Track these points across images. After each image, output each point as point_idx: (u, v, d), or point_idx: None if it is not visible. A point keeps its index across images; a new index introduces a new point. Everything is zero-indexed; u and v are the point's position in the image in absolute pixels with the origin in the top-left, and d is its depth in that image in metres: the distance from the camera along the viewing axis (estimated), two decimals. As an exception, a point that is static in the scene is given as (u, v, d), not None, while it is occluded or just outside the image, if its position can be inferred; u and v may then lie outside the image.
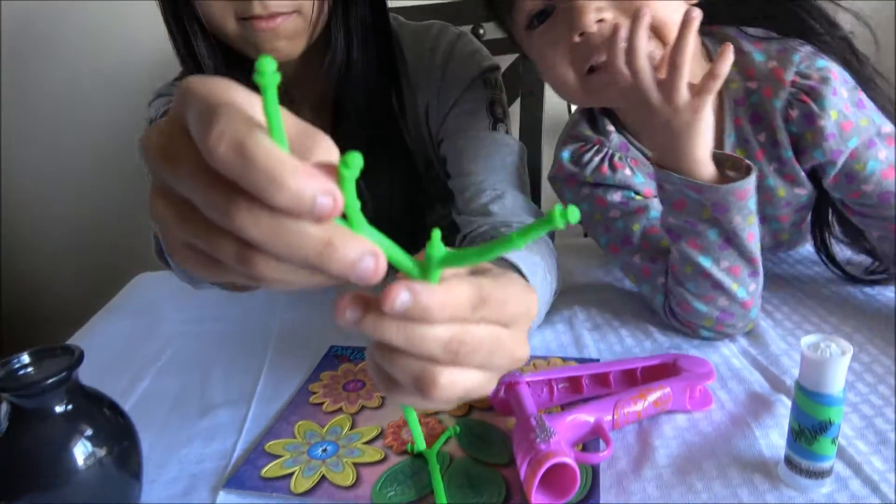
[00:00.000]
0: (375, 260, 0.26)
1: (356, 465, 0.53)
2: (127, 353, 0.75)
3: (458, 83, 0.78)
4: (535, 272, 0.59)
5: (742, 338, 0.67)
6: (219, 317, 0.81)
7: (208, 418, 0.61)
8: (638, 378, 0.59)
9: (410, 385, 0.31)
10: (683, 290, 0.65)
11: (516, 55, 1.23)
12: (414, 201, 0.84)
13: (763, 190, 0.71)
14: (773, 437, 0.53)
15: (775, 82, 0.66)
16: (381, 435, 0.56)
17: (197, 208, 0.26)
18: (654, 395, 0.55)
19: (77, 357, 0.39)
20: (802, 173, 0.69)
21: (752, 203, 0.61)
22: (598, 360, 0.65)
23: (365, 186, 0.81)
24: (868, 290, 0.75)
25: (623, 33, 0.57)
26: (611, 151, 0.72)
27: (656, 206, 0.70)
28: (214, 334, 0.77)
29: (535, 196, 1.17)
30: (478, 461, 0.52)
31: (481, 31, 1.25)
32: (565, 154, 0.75)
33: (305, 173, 0.24)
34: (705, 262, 0.63)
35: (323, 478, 0.51)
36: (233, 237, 0.25)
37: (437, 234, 0.29)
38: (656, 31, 0.60)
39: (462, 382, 0.31)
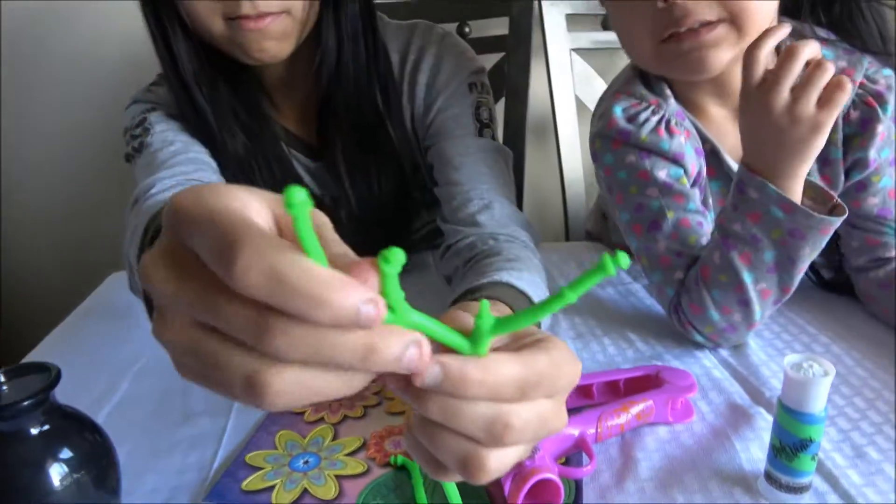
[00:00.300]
0: (419, 349, 0.25)
1: (339, 477, 0.52)
2: (103, 356, 0.74)
3: (444, 87, 0.77)
4: (540, 296, 0.59)
5: (723, 348, 0.68)
6: (198, 319, 0.80)
7: (188, 427, 0.60)
8: (621, 390, 0.59)
9: (455, 467, 0.30)
10: (706, 295, 0.64)
11: (501, 54, 1.23)
12: (400, 205, 0.84)
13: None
14: (752, 451, 0.53)
15: None
16: (363, 446, 0.56)
17: (212, 329, 0.25)
18: (636, 408, 0.55)
19: (54, 376, 0.38)
20: (842, 177, 0.69)
21: (825, 241, 0.60)
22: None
23: (350, 187, 0.80)
24: (848, 298, 0.76)
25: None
26: (668, 115, 0.69)
27: (695, 198, 0.69)
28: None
29: (519, 197, 1.17)
30: (461, 474, 0.52)
31: (466, 30, 1.25)
32: (618, 109, 0.70)
33: (346, 285, 0.23)
34: (747, 279, 0.62)
35: (305, 491, 0.51)
36: (250, 354, 0.24)
37: (485, 304, 0.28)
38: (738, 23, 0.60)
39: (509, 461, 0.30)
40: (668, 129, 0.68)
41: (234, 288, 0.23)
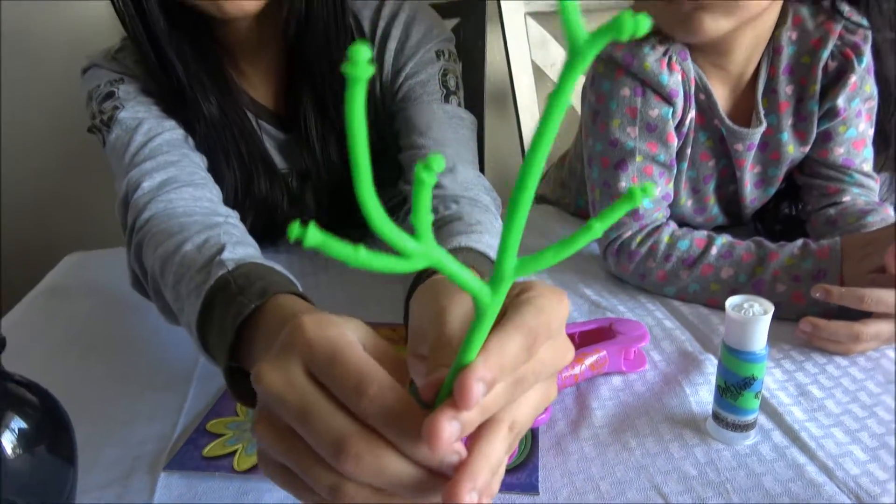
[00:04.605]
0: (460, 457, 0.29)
1: (300, 439, 0.53)
2: (61, 333, 0.73)
3: (412, 54, 0.77)
4: None
5: (674, 299, 0.70)
6: (156, 295, 0.79)
7: (148, 400, 0.60)
8: (576, 342, 0.61)
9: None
10: (683, 276, 0.69)
11: (457, 20, 1.22)
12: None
13: (773, 146, 0.74)
14: (702, 394, 0.55)
15: (825, 34, 0.69)
16: (324, 408, 0.57)
17: (300, 437, 0.31)
18: (590, 359, 0.56)
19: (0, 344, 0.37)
20: (815, 130, 0.73)
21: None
22: (538, 326, 0.66)
23: (321, 154, 0.80)
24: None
25: None
26: (671, 52, 0.70)
27: (668, 150, 0.72)
28: (152, 312, 0.75)
29: (479, 162, 1.18)
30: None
31: (420, -5, 1.23)
32: None
33: (443, 437, 0.27)
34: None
35: (266, 454, 0.51)
36: (330, 469, 0.30)
37: (513, 246, 0.28)
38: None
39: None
40: (669, 64, 0.70)
41: (356, 411, 0.29)
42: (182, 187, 0.66)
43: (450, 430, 0.27)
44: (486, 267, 0.56)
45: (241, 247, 0.56)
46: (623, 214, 0.25)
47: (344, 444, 0.29)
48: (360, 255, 0.23)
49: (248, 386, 0.45)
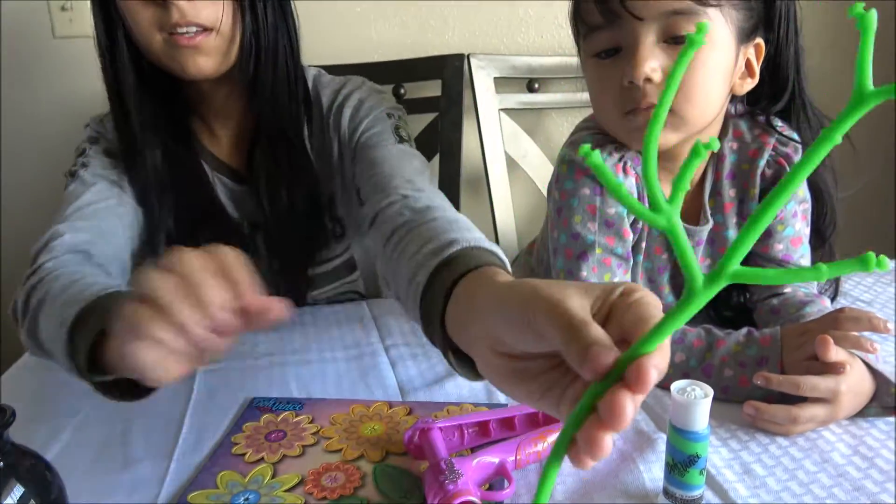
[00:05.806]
0: None
1: (277, 511, 0.56)
2: (44, 407, 0.75)
3: (366, 114, 0.87)
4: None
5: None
6: (140, 369, 0.82)
7: (130, 472, 0.62)
8: (540, 420, 0.65)
9: None
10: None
11: (435, 114, 1.32)
12: (312, 227, 0.90)
13: (720, 242, 0.83)
14: (654, 471, 0.59)
15: (761, 146, 0.79)
16: (301, 482, 0.60)
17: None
18: (553, 436, 0.61)
19: (9, 416, 0.41)
20: None
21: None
22: (506, 405, 0.71)
23: (268, 205, 0.86)
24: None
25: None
26: (626, 158, 0.77)
27: (625, 245, 0.78)
28: (136, 387, 0.78)
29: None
30: (393, 503, 0.56)
31: (402, 91, 1.33)
32: (589, 139, 0.79)
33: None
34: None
35: (245, 525, 0.54)
36: None
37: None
38: (677, 111, 0.70)
39: None
40: (624, 168, 0.78)
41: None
42: (92, 263, 0.73)
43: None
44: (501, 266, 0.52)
45: None
46: (852, 272, 0.25)
47: None
48: (622, 191, 0.29)
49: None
